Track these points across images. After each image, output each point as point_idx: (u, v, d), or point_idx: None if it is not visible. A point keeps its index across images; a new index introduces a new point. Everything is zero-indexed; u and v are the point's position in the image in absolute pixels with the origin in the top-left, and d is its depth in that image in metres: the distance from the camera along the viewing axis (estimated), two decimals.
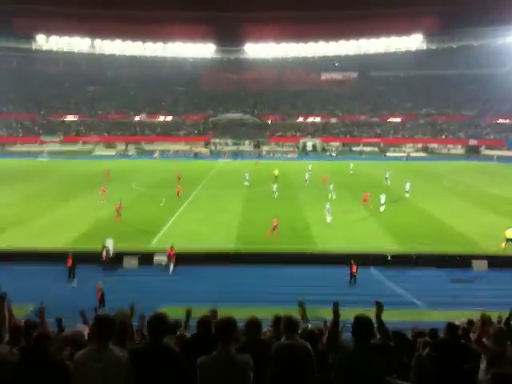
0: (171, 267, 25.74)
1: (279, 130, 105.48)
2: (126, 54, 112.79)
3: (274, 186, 45.48)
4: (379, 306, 6.00)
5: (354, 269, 23.98)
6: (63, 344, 6.45)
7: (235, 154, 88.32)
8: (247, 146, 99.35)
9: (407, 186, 45.13)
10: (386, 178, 52.09)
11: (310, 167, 61.04)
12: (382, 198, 38.70)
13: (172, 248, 26.05)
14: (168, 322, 4.99)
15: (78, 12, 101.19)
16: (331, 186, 45.28)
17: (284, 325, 6.01)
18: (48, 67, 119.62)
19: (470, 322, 10.85)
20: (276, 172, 54.46)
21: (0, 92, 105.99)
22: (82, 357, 4.38)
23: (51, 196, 45.11)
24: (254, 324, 6.52)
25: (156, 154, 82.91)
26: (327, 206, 35.01)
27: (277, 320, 7.80)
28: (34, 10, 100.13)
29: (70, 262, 24.15)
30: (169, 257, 25.99)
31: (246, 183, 52.11)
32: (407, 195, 44.58)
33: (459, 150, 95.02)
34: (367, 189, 43.80)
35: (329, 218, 34.06)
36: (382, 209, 38.57)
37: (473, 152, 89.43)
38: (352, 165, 63.39)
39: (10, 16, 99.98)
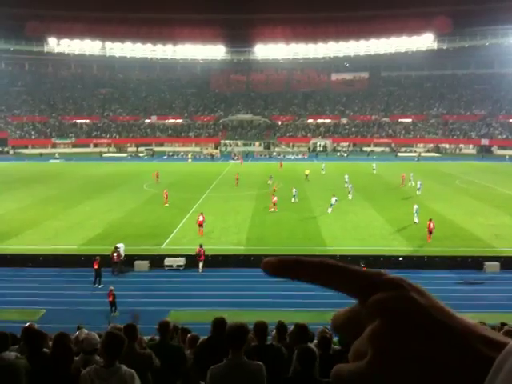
0: (200, 266, 26.60)
1: (290, 130, 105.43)
2: (137, 56, 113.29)
3: (294, 190, 43.14)
4: None
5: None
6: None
7: (246, 156, 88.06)
8: (257, 147, 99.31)
9: (418, 183, 46.76)
10: (410, 180, 51.50)
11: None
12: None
13: (201, 247, 26.59)
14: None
15: (88, 15, 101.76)
16: (350, 187, 45.31)
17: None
18: (60, 70, 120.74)
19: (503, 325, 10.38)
20: (307, 172, 55.29)
21: (13, 94, 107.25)
22: (88, 374, 4.33)
23: (65, 198, 45.26)
24: (261, 328, 6.56)
25: (189, 156, 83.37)
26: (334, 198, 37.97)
27: (280, 325, 7.82)
28: (45, 14, 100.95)
29: (96, 265, 24.21)
30: (198, 255, 26.52)
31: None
32: (418, 192, 45.78)
33: (471, 149, 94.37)
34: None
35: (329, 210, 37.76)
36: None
37: (485, 152, 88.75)
38: (375, 165, 63.66)
39: (22, 19, 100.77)
